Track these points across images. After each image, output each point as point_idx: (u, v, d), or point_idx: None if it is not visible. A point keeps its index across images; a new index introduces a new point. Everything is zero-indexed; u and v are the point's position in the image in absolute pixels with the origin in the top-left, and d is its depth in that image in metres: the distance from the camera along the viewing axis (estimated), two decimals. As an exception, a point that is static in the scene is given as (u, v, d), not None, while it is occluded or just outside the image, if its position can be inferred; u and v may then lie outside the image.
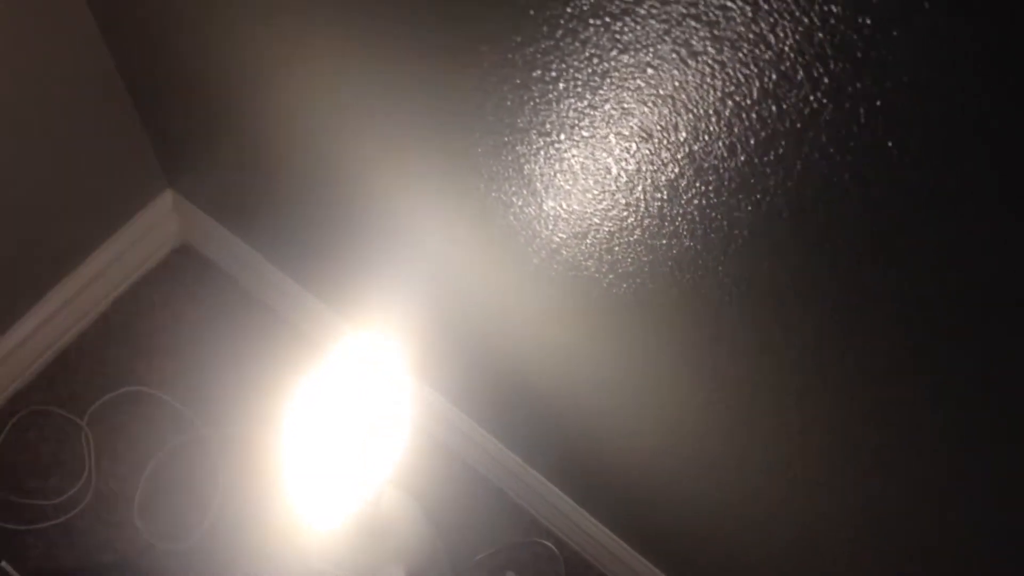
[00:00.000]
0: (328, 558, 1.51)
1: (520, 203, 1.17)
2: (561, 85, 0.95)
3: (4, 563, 1.59)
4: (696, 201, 0.96)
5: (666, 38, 0.81)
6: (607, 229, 1.09)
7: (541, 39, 0.92)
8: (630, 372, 1.31)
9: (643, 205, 1.01)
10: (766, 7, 0.72)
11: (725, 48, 0.78)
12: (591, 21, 0.86)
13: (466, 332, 1.53)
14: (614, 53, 0.87)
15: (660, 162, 0.94)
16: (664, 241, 1.04)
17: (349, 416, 1.31)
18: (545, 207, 1.14)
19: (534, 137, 1.05)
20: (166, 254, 2.05)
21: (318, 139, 1.41)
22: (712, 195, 0.93)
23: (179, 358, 1.96)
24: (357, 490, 1.35)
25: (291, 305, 1.95)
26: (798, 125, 0.79)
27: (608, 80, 0.90)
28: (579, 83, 0.93)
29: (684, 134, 0.89)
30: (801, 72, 0.74)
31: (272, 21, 1.24)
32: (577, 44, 0.89)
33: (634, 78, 0.88)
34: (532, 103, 1.00)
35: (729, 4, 0.74)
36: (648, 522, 1.63)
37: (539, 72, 0.96)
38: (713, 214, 0.95)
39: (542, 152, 1.06)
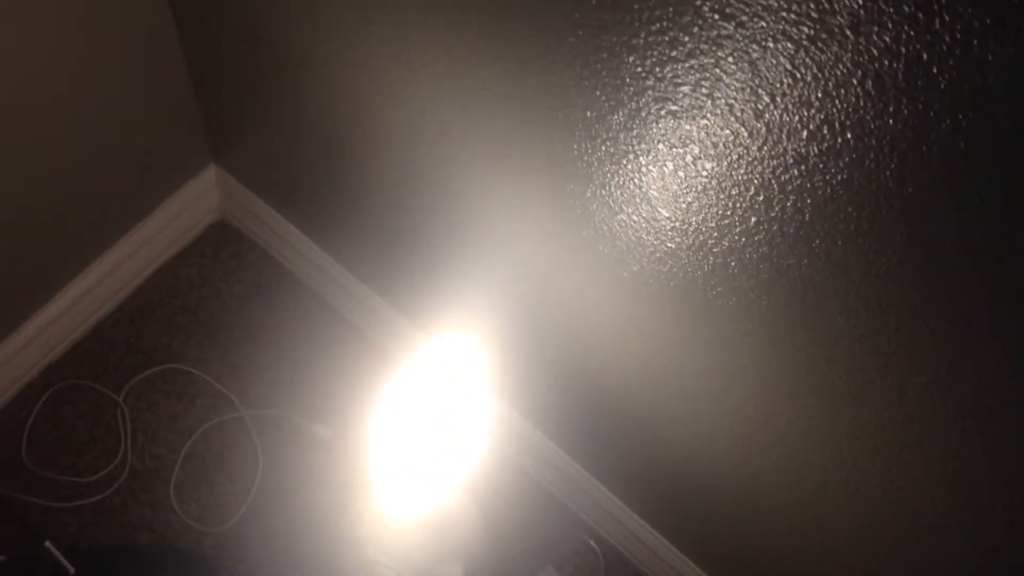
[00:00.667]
0: (385, 551, 1.50)
1: (630, 211, 1.15)
2: (692, 91, 0.93)
3: (48, 543, 1.56)
4: (843, 226, 0.94)
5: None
6: (727, 244, 1.08)
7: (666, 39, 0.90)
8: (718, 382, 1.30)
9: (778, 225, 1.00)
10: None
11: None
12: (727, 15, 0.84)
13: (542, 334, 1.51)
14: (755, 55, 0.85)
15: (811, 184, 0.93)
16: (794, 261, 1.03)
17: (430, 419, 1.30)
18: (659, 216, 1.12)
19: (660, 147, 1.03)
20: (205, 228, 2.01)
21: (395, 129, 1.38)
22: (865, 222, 0.92)
23: (217, 336, 1.92)
24: (429, 491, 1.34)
25: (338, 291, 1.92)
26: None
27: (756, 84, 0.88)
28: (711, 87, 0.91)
29: (846, 158, 0.88)
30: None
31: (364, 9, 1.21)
32: (710, 44, 0.88)
33: (784, 83, 0.86)
34: (663, 111, 0.98)
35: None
36: (702, 526, 1.63)
37: (670, 73, 0.94)
38: (861, 239, 0.94)
39: (670, 162, 1.04)
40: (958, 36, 0.72)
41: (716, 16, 0.87)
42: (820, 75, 0.84)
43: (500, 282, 1.47)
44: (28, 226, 1.58)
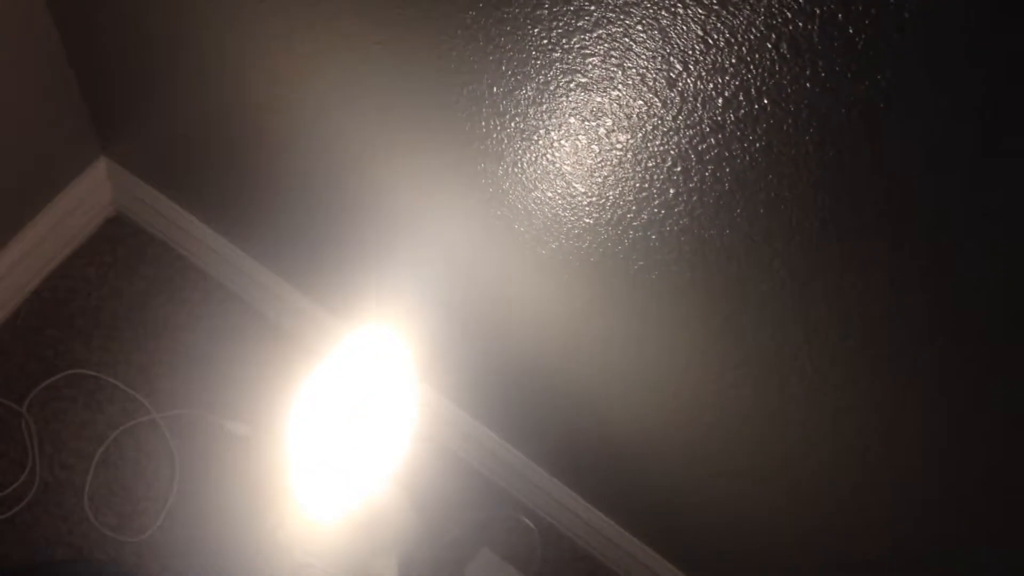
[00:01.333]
0: (313, 551, 1.45)
1: (545, 187, 1.11)
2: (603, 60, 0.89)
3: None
4: (764, 194, 0.91)
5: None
6: (646, 217, 1.04)
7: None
8: (645, 357, 1.27)
9: (698, 196, 0.97)
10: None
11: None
12: None
13: (463, 316, 1.46)
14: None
15: (730, 153, 0.90)
16: (715, 231, 1.00)
17: (350, 411, 1.25)
18: (574, 191, 1.08)
19: (572, 121, 0.99)
20: (99, 225, 1.92)
21: (295, 112, 1.32)
22: (786, 188, 0.89)
23: (121, 337, 1.84)
24: (355, 485, 1.29)
25: (247, 282, 1.84)
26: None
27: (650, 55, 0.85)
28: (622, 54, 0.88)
29: (764, 124, 0.85)
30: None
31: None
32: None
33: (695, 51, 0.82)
34: (573, 84, 0.94)
35: None
36: (637, 499, 1.61)
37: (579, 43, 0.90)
38: (783, 207, 0.91)
39: (583, 136, 1.00)
40: (875, -4, 0.69)
41: (622, -16, 0.83)
42: (733, 40, 0.80)
43: (416, 266, 1.42)
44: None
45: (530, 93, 1.00)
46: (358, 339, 1.30)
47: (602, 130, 0.98)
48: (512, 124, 1.05)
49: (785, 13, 0.75)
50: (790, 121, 0.83)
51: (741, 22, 0.78)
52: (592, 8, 0.86)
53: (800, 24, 0.75)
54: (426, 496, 1.75)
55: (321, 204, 1.48)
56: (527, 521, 1.78)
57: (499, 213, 1.20)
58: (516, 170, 1.11)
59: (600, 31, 0.88)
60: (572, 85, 0.95)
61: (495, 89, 1.03)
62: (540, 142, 1.05)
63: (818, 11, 0.73)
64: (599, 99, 0.95)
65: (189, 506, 1.74)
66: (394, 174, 1.29)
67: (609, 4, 0.85)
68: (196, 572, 1.68)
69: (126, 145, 1.76)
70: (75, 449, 1.74)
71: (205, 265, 1.89)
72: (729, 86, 0.84)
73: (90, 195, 1.84)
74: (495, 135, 1.09)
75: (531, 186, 1.12)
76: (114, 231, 1.92)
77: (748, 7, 0.77)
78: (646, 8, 0.83)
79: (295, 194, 1.51)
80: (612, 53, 0.89)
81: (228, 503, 1.74)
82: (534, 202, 1.14)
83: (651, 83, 0.89)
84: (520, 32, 0.94)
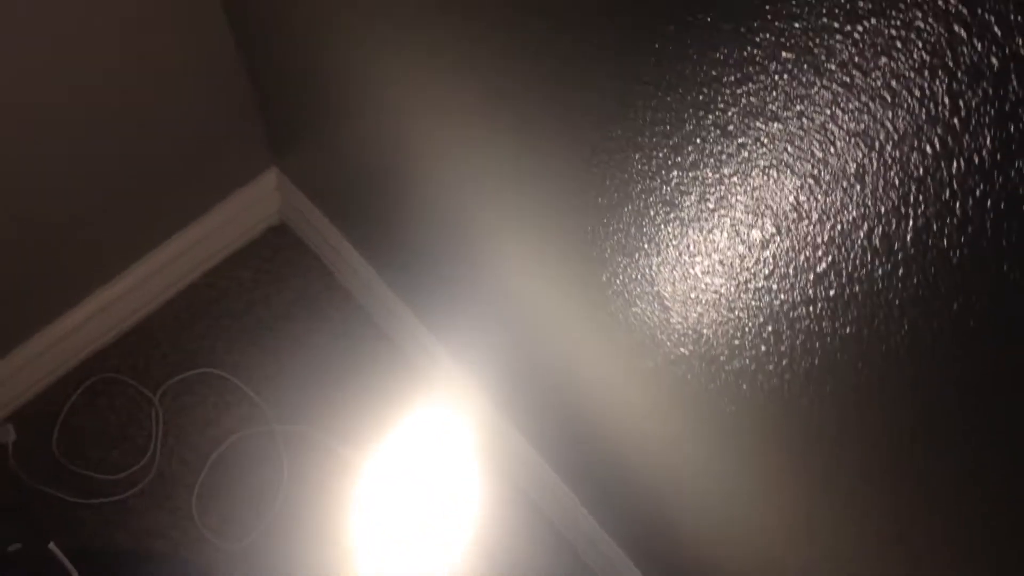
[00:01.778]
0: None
1: (643, 306, 1.03)
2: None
3: (52, 545, 1.53)
4: (854, 379, 0.81)
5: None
6: (737, 365, 0.95)
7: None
8: (735, 496, 1.17)
9: (787, 361, 0.87)
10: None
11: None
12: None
13: (560, 396, 1.40)
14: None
15: (820, 329, 0.80)
16: (806, 401, 0.89)
17: (424, 488, 1.21)
18: (671, 318, 1.00)
19: (668, 251, 0.91)
20: (262, 231, 1.96)
21: (439, 169, 1.29)
22: (876, 382, 0.78)
23: (261, 344, 1.87)
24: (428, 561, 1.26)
25: (385, 311, 1.84)
26: None
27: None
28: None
29: (855, 312, 0.75)
30: None
31: (409, 44, 1.11)
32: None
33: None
34: (671, 216, 0.86)
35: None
36: None
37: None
38: (872, 399, 0.81)
39: (678, 268, 0.92)
40: (970, 212, 0.59)
41: (718, 132, 0.74)
42: (826, 217, 0.71)
43: (520, 345, 1.37)
44: (86, 216, 1.56)
45: (630, 214, 0.93)
46: (436, 412, 1.26)
47: (697, 268, 0.90)
48: (614, 238, 0.98)
49: (879, 206, 0.65)
50: (882, 316, 0.72)
51: (834, 202, 0.69)
52: (690, 149, 0.79)
53: (893, 222, 0.65)
54: (500, 540, 1.70)
55: (452, 259, 1.45)
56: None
57: (600, 318, 1.14)
58: (617, 282, 1.04)
59: (696, 172, 0.80)
60: (670, 216, 0.88)
61: (600, 200, 0.96)
62: (640, 262, 0.97)
63: (912, 214, 0.63)
64: (694, 236, 0.87)
65: (290, 522, 1.75)
66: (523, 249, 1.24)
67: (705, 149, 0.77)
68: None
69: (295, 161, 1.79)
70: (195, 446, 1.79)
71: (352, 289, 1.90)
72: (821, 262, 0.74)
73: (258, 202, 1.88)
74: (599, 243, 1.02)
75: (631, 301, 1.05)
76: (274, 240, 1.96)
77: (840, 190, 0.67)
78: (740, 163, 0.74)
79: (431, 241, 1.49)
80: (707, 196, 0.81)
81: (329, 527, 1.74)
82: (634, 317, 1.07)
83: (744, 237, 0.80)
84: (623, 154, 0.87)
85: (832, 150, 0.66)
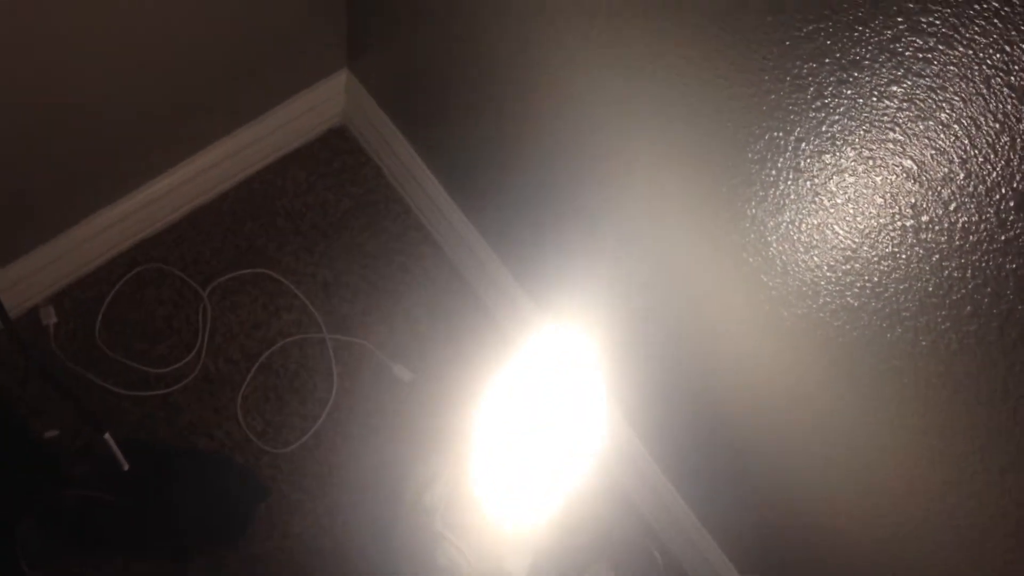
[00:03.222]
0: (454, 528, 1.42)
1: (815, 255, 1.02)
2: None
3: (108, 436, 1.49)
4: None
5: None
6: (924, 321, 0.95)
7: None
8: (859, 456, 1.18)
9: (999, 324, 0.87)
10: None
11: None
12: None
13: (668, 346, 1.39)
14: None
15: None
16: (1005, 366, 0.90)
17: (537, 415, 1.20)
18: (849, 268, 0.99)
19: (878, 201, 0.90)
20: (324, 132, 1.90)
21: (557, 93, 1.26)
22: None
23: (315, 249, 1.83)
24: (526, 493, 1.25)
25: (448, 231, 1.81)
26: None
27: None
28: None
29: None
30: None
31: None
32: None
33: None
34: (898, 167, 0.85)
35: None
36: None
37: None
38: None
39: (887, 222, 0.91)
40: None
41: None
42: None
43: (638, 285, 1.35)
44: (155, 94, 1.49)
45: (844, 162, 0.91)
46: (556, 337, 1.24)
47: (911, 223, 0.89)
48: (807, 184, 0.97)
49: None
50: None
51: None
52: (960, 105, 0.77)
53: None
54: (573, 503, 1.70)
55: (550, 190, 1.42)
56: (656, 554, 1.72)
57: (751, 260, 1.12)
58: (791, 228, 1.03)
59: (958, 129, 0.79)
60: (898, 170, 0.86)
61: (803, 146, 0.94)
62: (833, 211, 0.96)
63: None
64: (924, 193, 0.86)
65: (336, 433, 1.72)
66: (646, 184, 1.21)
67: (987, 106, 0.75)
68: (326, 501, 1.67)
69: (371, 65, 1.73)
70: (242, 346, 1.75)
71: (412, 202, 1.86)
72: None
73: (324, 102, 1.83)
74: (782, 187, 1.00)
75: (801, 249, 1.04)
76: (336, 142, 1.90)
77: None
78: (1011, 118, 0.73)
79: (523, 167, 1.46)
80: (968, 156, 0.79)
81: (375, 444, 1.72)
82: (796, 264, 1.06)
83: (996, 200, 0.79)
84: (862, 101, 0.85)
85: None
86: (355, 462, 1.71)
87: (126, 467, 1.51)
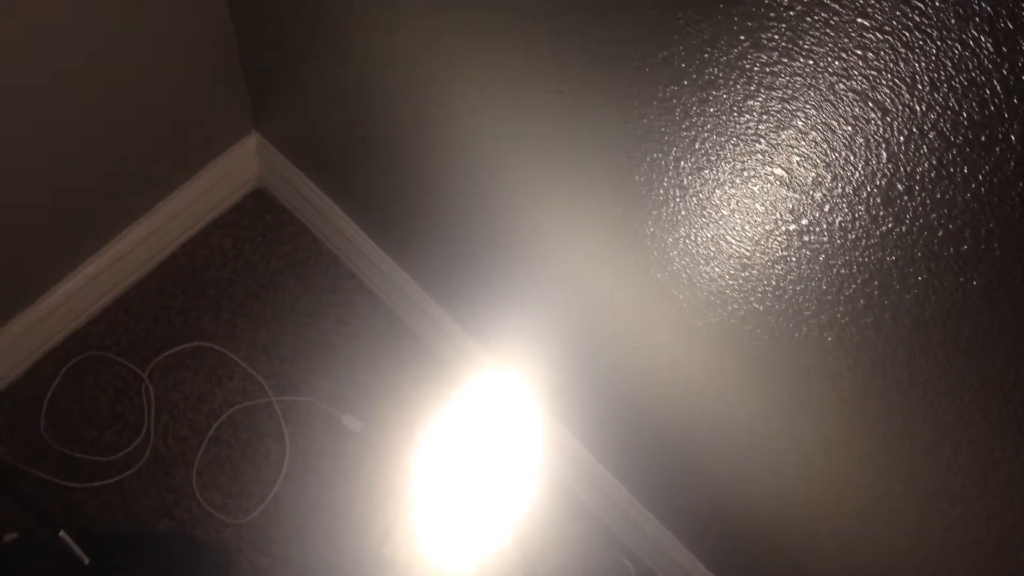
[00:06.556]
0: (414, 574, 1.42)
1: (715, 266, 1.04)
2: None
3: (63, 533, 1.48)
4: (969, 331, 0.83)
5: None
6: (825, 319, 0.96)
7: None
8: (790, 446, 1.19)
9: (892, 314, 0.89)
10: None
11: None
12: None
13: (601, 363, 1.40)
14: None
15: (942, 284, 0.81)
16: (905, 352, 0.91)
17: (479, 450, 1.20)
18: (749, 275, 1.01)
19: (759, 210, 0.91)
20: (242, 197, 1.90)
21: (456, 130, 1.27)
22: (1002, 334, 0.80)
23: (250, 314, 1.83)
24: (473, 530, 1.25)
25: (378, 277, 1.81)
26: None
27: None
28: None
29: (988, 264, 0.76)
30: None
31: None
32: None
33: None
34: (770, 176, 0.86)
35: None
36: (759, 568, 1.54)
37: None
38: (993, 349, 0.83)
39: (772, 228, 0.92)
40: None
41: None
42: (973, 182, 0.71)
43: (560, 310, 1.36)
44: (62, 190, 1.48)
45: (722, 176, 0.92)
46: (493, 375, 1.25)
47: (793, 227, 0.90)
48: (694, 199, 0.98)
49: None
50: (1021, 273, 0.74)
51: (991, 160, 0.70)
52: (813, 112, 0.78)
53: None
54: (533, 522, 1.71)
55: (464, 230, 1.43)
56: (626, 561, 1.73)
57: (659, 276, 1.13)
58: (689, 243, 1.04)
59: (815, 135, 0.80)
60: (771, 178, 0.88)
61: (682, 164, 0.96)
62: (722, 223, 0.97)
63: None
64: (798, 198, 0.87)
65: (295, 495, 1.72)
66: (550, 214, 1.23)
67: (837, 111, 0.77)
68: (294, 562, 1.67)
69: (278, 124, 1.73)
70: (190, 421, 1.74)
71: (340, 253, 1.86)
72: (956, 220, 0.75)
73: (237, 168, 1.83)
74: (672, 205, 1.02)
75: (701, 261, 1.05)
76: (255, 205, 1.91)
77: (998, 146, 0.68)
78: (875, 124, 0.74)
79: (439, 207, 1.47)
80: (831, 160, 0.81)
81: (334, 498, 1.72)
82: (700, 276, 1.07)
83: (864, 198, 0.81)
84: (725, 117, 0.86)
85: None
86: (316, 521, 1.71)
87: (87, 562, 1.50)
